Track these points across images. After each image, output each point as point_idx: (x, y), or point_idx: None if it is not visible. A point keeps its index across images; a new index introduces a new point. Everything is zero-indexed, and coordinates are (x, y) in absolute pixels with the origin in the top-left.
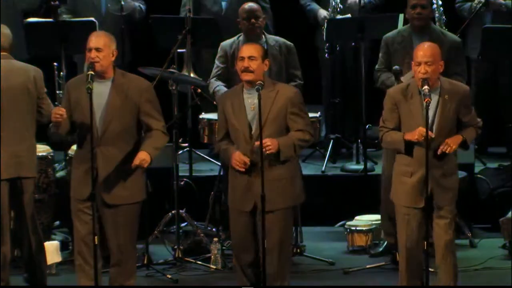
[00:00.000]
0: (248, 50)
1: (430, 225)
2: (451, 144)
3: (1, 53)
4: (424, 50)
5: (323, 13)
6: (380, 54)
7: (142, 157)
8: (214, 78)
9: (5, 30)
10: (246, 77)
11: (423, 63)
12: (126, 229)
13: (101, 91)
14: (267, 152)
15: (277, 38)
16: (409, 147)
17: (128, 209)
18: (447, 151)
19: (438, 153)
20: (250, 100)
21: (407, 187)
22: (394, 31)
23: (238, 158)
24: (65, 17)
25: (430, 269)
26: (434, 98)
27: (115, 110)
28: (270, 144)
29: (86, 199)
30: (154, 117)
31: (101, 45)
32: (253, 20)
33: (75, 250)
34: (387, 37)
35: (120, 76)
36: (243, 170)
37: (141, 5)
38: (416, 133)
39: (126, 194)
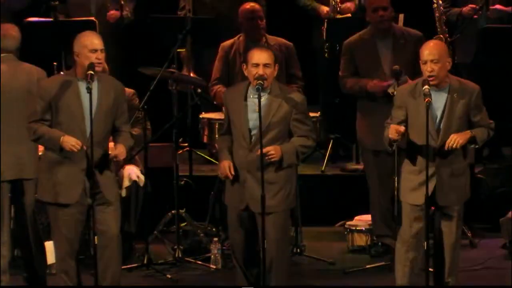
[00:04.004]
0: (263, 57)
1: (431, 225)
2: (457, 138)
3: (6, 54)
4: (429, 49)
5: (325, 8)
6: (343, 60)
7: (121, 150)
8: (215, 82)
9: (13, 31)
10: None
11: (429, 61)
12: (117, 222)
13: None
14: (271, 160)
15: (277, 38)
16: (413, 147)
17: (117, 206)
18: (453, 146)
19: (445, 148)
20: (255, 100)
21: (414, 185)
22: (355, 36)
23: (224, 171)
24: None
25: (430, 269)
26: (443, 97)
27: (108, 110)
28: (273, 152)
29: (76, 202)
30: (126, 118)
31: (103, 47)
32: (258, 21)
33: (57, 255)
34: (349, 42)
35: (102, 77)
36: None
37: (129, 13)
38: (390, 132)
39: (115, 192)
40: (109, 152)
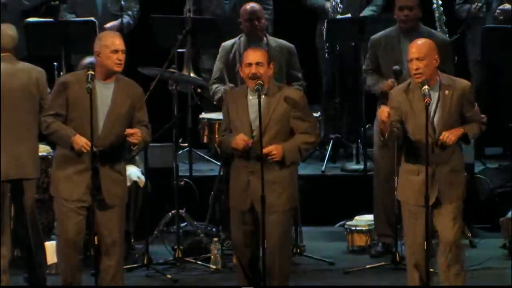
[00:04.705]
0: (255, 56)
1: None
2: (449, 135)
3: (4, 54)
4: (416, 47)
5: (329, 4)
6: (368, 55)
7: (138, 132)
8: (214, 81)
9: (9, 31)
10: (254, 84)
11: (415, 59)
12: (121, 226)
13: (106, 93)
14: (272, 160)
15: (278, 39)
16: (410, 146)
17: (122, 209)
18: (446, 143)
19: (438, 144)
20: (254, 101)
21: (414, 186)
22: (382, 32)
23: (240, 138)
24: (69, 16)
25: (430, 269)
26: (435, 94)
27: (120, 114)
28: (275, 152)
29: (77, 200)
30: (145, 124)
31: (124, 47)
32: (255, 22)
33: (58, 249)
34: (375, 38)
35: (120, 80)
36: (243, 149)
37: (130, 19)
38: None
39: (122, 194)
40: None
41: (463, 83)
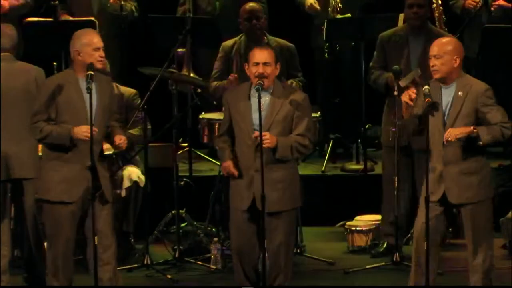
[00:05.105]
0: (263, 56)
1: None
2: (453, 132)
3: (4, 54)
4: (437, 45)
5: (309, 1)
6: (375, 52)
7: (124, 137)
8: (213, 79)
9: (9, 30)
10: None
11: (432, 56)
12: (112, 221)
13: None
14: (264, 145)
15: (278, 39)
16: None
17: (112, 206)
18: (449, 139)
19: (444, 142)
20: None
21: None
22: (391, 30)
23: (227, 170)
24: (60, 13)
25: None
26: (451, 94)
27: (105, 110)
28: (268, 139)
29: (79, 200)
30: (117, 118)
31: (102, 45)
32: (254, 21)
33: (56, 251)
34: (383, 35)
35: (97, 76)
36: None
37: (133, 7)
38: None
39: (111, 192)
40: (105, 148)
41: (479, 85)
